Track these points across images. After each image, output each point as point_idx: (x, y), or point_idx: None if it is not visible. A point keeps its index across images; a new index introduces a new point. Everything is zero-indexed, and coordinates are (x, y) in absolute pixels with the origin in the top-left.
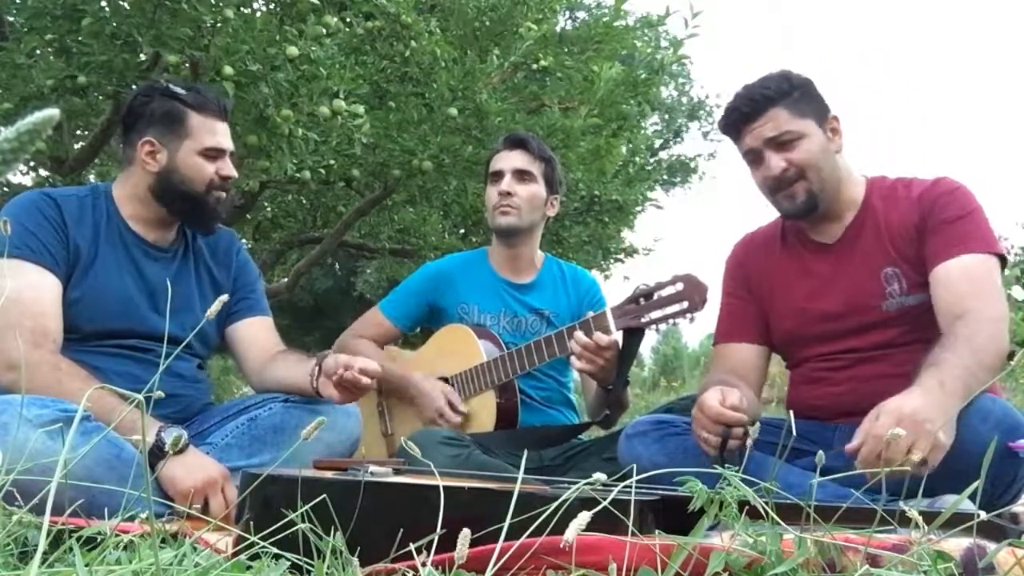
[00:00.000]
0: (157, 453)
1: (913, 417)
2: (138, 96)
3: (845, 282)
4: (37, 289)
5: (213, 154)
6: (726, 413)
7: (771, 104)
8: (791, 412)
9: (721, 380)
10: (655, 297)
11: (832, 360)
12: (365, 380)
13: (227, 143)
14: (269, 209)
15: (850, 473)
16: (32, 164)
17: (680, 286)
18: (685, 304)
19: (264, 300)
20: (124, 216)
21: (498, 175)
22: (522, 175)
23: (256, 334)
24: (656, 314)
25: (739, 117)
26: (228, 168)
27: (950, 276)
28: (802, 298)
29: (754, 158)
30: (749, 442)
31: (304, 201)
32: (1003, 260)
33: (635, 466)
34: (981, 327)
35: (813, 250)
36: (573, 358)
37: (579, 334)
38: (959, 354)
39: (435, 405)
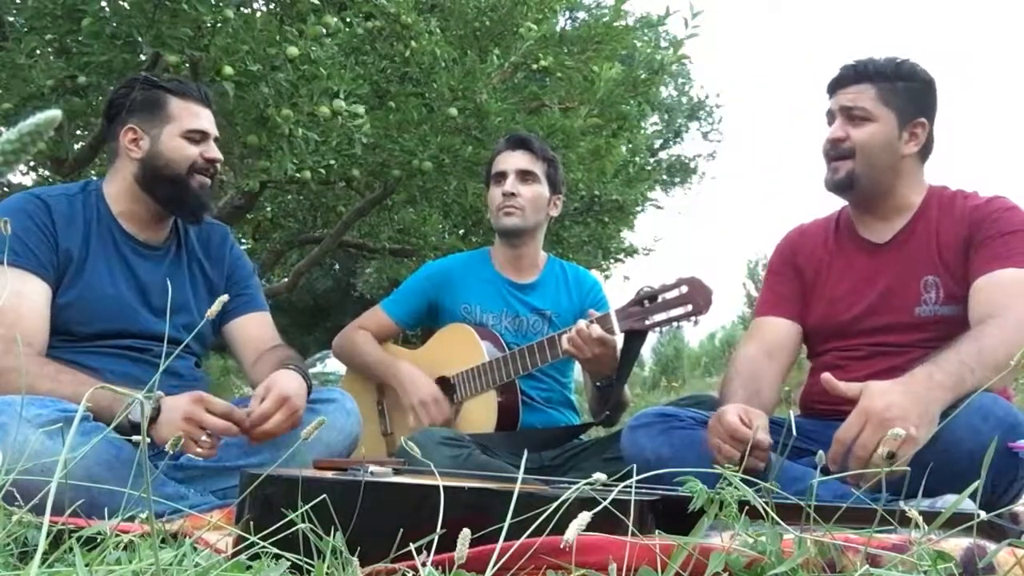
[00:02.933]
0: (131, 430)
1: (882, 415)
2: (119, 89)
3: (885, 282)
4: (18, 296)
5: (196, 136)
6: (741, 429)
7: (865, 79)
8: (791, 412)
9: (741, 382)
10: (659, 300)
11: (853, 351)
12: (267, 426)
13: (211, 127)
14: (269, 209)
15: (849, 473)
16: (32, 164)
17: (685, 289)
18: (689, 307)
19: (260, 294)
20: (115, 214)
21: (501, 176)
22: (525, 175)
23: (250, 331)
24: (660, 317)
25: (837, 78)
26: (212, 151)
27: (986, 287)
28: (841, 290)
29: (829, 119)
30: (765, 464)
31: (304, 201)
32: None
33: (635, 466)
34: (996, 330)
35: (862, 247)
36: (564, 338)
37: (581, 321)
38: (960, 350)
39: (419, 395)
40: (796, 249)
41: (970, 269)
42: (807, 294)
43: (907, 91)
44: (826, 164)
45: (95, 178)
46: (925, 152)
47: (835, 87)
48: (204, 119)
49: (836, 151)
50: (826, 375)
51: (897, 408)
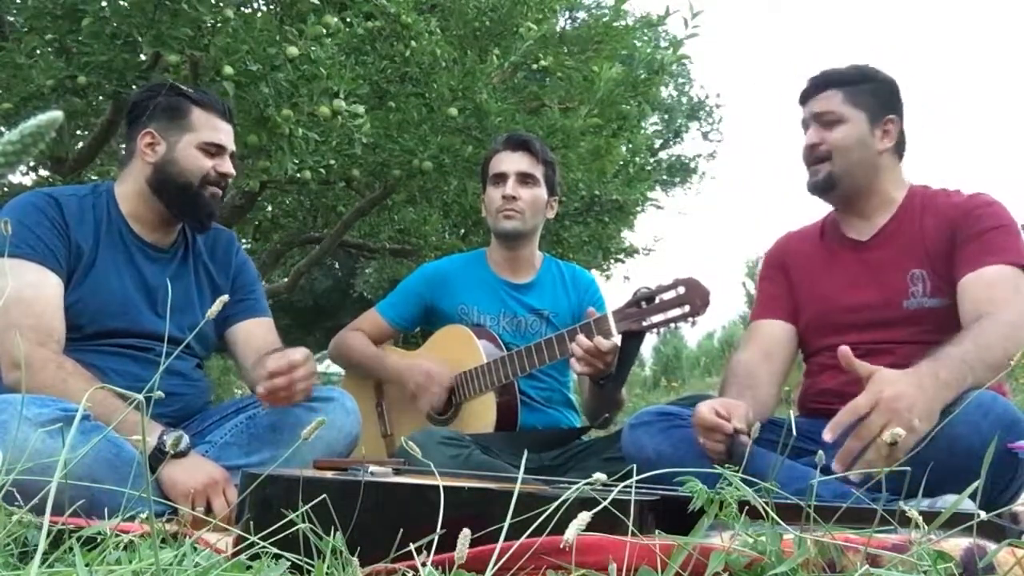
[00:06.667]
0: (159, 456)
1: (891, 403)
2: (143, 92)
3: (873, 278)
4: (39, 288)
5: (212, 149)
6: (712, 419)
7: (830, 86)
8: (791, 412)
9: (736, 382)
10: (656, 300)
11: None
12: (279, 381)
13: (228, 142)
14: (269, 209)
15: (851, 472)
16: (32, 164)
17: (682, 290)
18: (686, 308)
19: (263, 301)
20: (124, 215)
21: (501, 177)
22: (526, 178)
23: (253, 335)
24: (657, 318)
25: (805, 90)
26: (226, 166)
27: (975, 285)
28: (830, 288)
29: (804, 129)
30: (746, 438)
31: (304, 201)
32: None
33: (635, 466)
34: (993, 328)
35: (847, 246)
36: (573, 360)
37: (581, 337)
38: (963, 348)
39: (420, 382)
40: (784, 252)
41: (955, 264)
42: (797, 293)
43: (872, 91)
44: (807, 167)
45: (96, 179)
46: (900, 149)
47: (804, 98)
48: (223, 134)
49: (813, 156)
50: (843, 348)
51: (906, 399)
